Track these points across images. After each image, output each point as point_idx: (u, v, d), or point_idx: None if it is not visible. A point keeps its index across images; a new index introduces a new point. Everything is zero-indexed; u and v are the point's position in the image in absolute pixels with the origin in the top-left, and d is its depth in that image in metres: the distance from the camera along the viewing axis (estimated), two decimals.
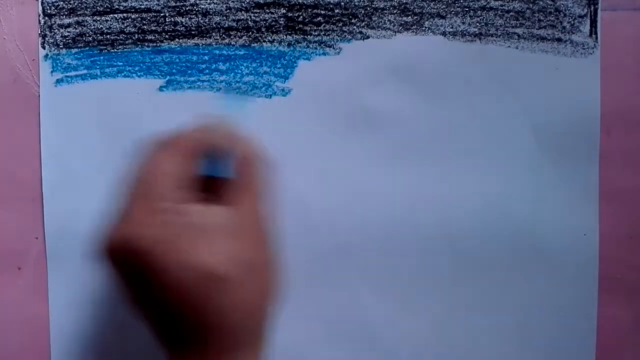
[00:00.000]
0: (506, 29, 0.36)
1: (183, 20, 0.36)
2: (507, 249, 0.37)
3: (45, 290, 0.37)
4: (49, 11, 0.37)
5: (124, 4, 0.36)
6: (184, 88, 0.37)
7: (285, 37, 0.36)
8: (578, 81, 0.36)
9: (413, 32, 0.36)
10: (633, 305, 0.37)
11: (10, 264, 0.37)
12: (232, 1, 0.36)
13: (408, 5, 0.36)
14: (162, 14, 0.36)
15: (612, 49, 0.36)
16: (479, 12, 0.36)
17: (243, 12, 0.36)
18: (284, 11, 0.36)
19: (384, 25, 0.36)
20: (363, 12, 0.36)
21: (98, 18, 0.36)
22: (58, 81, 0.37)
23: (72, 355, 0.37)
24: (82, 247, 0.37)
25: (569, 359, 0.37)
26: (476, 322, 0.37)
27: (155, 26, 0.36)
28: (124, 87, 0.36)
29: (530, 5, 0.36)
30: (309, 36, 0.36)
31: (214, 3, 0.36)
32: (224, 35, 0.36)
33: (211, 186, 0.30)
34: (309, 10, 0.36)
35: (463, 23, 0.36)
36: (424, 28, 0.36)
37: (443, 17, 0.36)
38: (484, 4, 0.36)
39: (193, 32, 0.36)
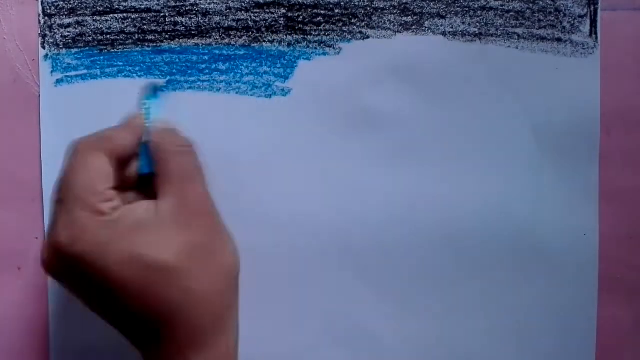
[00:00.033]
0: (506, 29, 0.36)
1: (183, 20, 0.36)
2: (507, 249, 0.37)
3: (45, 290, 0.37)
4: (49, 11, 0.37)
5: (124, 4, 0.36)
6: (184, 88, 0.37)
7: (285, 37, 0.36)
8: (578, 81, 0.36)
9: (413, 32, 0.36)
10: (633, 305, 0.37)
11: (10, 264, 0.37)
12: (232, 1, 0.36)
13: (408, 5, 0.36)
14: (162, 14, 0.36)
15: (612, 49, 0.36)
16: (479, 12, 0.36)
17: (243, 12, 0.36)
18: (284, 11, 0.36)
19: (384, 25, 0.36)
20: (363, 12, 0.36)
21: (98, 18, 0.36)
22: (58, 81, 0.37)
23: (72, 355, 0.37)
24: None
25: (569, 359, 0.37)
26: (476, 322, 0.37)
27: (155, 26, 0.36)
28: (124, 87, 0.36)
29: (530, 5, 0.36)
30: (309, 36, 0.36)
31: (214, 3, 0.36)
32: (224, 35, 0.37)
33: (145, 183, 0.30)
34: (309, 10, 0.36)
35: (463, 23, 0.36)
36: (424, 28, 0.36)
37: (443, 17, 0.36)
38: (484, 4, 0.36)
39: (193, 32, 0.37)
